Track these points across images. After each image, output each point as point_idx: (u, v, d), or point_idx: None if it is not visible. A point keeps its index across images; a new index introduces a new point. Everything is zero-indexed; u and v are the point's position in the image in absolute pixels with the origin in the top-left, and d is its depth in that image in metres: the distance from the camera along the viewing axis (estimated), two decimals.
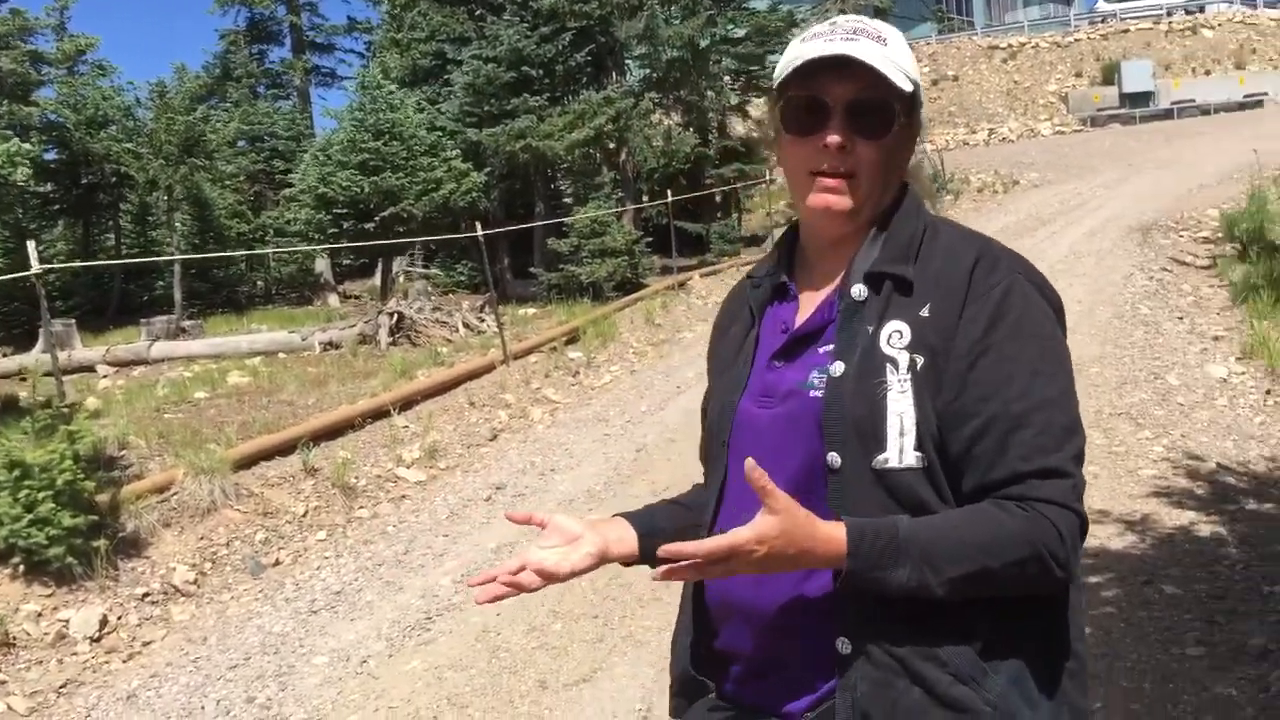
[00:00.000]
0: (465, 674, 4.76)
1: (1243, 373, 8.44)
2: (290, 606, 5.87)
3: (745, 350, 1.63)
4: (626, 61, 21.49)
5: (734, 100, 24.93)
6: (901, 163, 1.57)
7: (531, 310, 16.09)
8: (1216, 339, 9.66)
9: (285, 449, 7.97)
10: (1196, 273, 13.15)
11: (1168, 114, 39.16)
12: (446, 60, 19.59)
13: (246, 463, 7.61)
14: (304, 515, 7.20)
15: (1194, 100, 40.61)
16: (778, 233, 22.33)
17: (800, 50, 1.53)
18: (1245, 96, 40.33)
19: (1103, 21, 49.33)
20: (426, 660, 4.96)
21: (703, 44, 21.76)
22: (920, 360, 1.42)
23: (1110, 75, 41.49)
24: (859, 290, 1.49)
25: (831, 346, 1.49)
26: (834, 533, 1.36)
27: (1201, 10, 48.98)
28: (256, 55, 29.60)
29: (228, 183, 23.10)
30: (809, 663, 1.47)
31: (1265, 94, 40.36)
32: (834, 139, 1.49)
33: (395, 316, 13.49)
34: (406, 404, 9.42)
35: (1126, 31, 47.44)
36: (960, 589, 1.35)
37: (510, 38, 17.53)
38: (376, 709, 4.55)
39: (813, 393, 1.47)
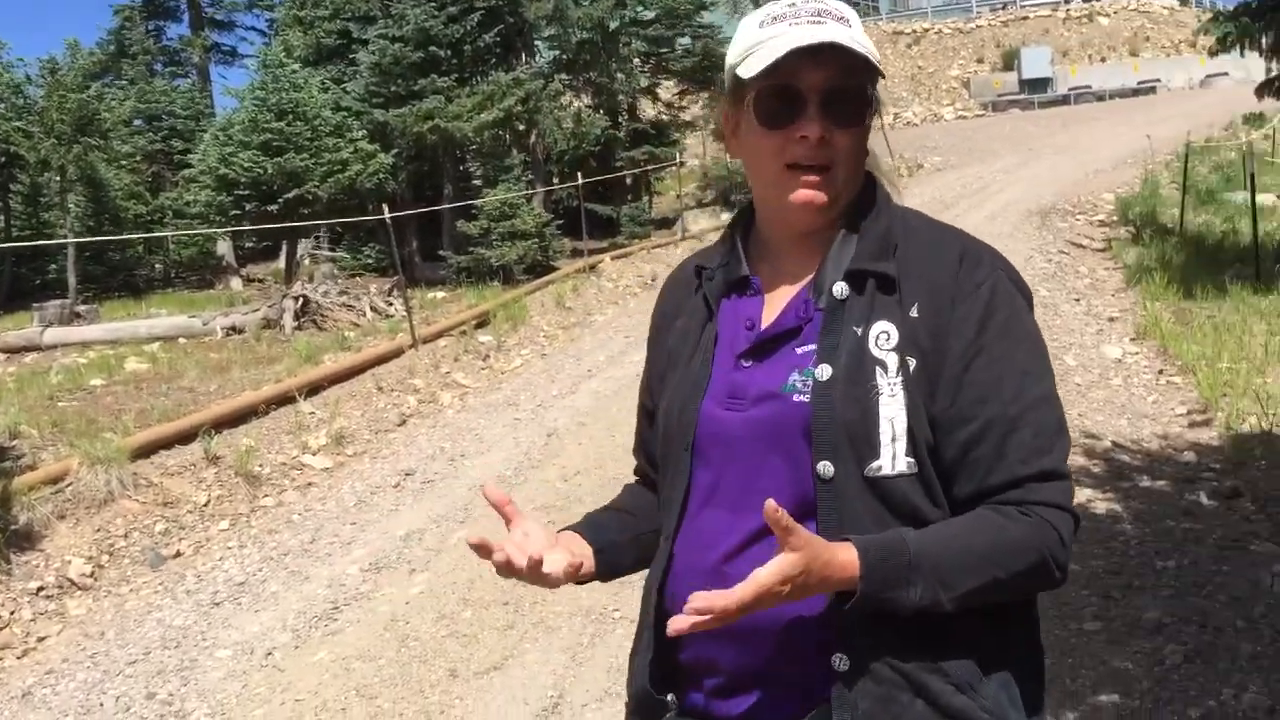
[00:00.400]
0: (374, 664, 4.69)
1: (1136, 353, 8.70)
2: (192, 599, 5.73)
3: (704, 347, 1.53)
4: (536, 43, 21.33)
5: (644, 83, 24.90)
6: (866, 148, 1.51)
7: (441, 293, 15.91)
8: (1112, 320, 9.93)
9: (186, 437, 7.77)
10: (1093, 255, 13.49)
11: (1065, 100, 40.15)
12: (351, 39, 19.23)
13: (145, 451, 7.40)
14: (206, 505, 7.03)
15: (1090, 86, 41.68)
16: (689, 215, 22.48)
17: (762, 36, 1.44)
18: (1139, 83, 41.50)
19: (1003, 8, 50.28)
20: (334, 651, 4.88)
21: (612, 26, 21.70)
22: (913, 362, 1.37)
23: (1010, 61, 42.39)
24: (841, 289, 1.42)
25: (812, 348, 1.41)
26: (847, 557, 1.30)
27: None
28: (153, 32, 28.70)
29: (124, 163, 22.40)
30: (796, 678, 1.40)
31: (1158, 80, 41.57)
32: (813, 131, 1.41)
33: (300, 300, 13.23)
34: (312, 390, 9.25)
35: (1026, 19, 48.45)
36: (969, 601, 1.33)
37: (417, 17, 17.26)
38: (283, 702, 4.47)
39: (797, 397, 1.39)
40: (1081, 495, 5.57)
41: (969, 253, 1.43)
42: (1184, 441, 6.42)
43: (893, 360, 1.37)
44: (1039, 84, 41.32)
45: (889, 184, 1.55)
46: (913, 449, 1.36)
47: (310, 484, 7.56)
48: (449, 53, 17.75)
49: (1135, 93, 40.39)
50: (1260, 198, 12.86)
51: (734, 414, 1.44)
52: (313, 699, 4.44)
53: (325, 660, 4.80)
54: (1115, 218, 16.13)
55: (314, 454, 8.04)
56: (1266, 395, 6.71)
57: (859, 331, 1.39)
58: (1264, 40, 11.74)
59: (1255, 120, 25.56)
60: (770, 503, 1.23)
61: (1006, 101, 39.01)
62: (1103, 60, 45.45)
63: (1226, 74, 36.24)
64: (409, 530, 6.40)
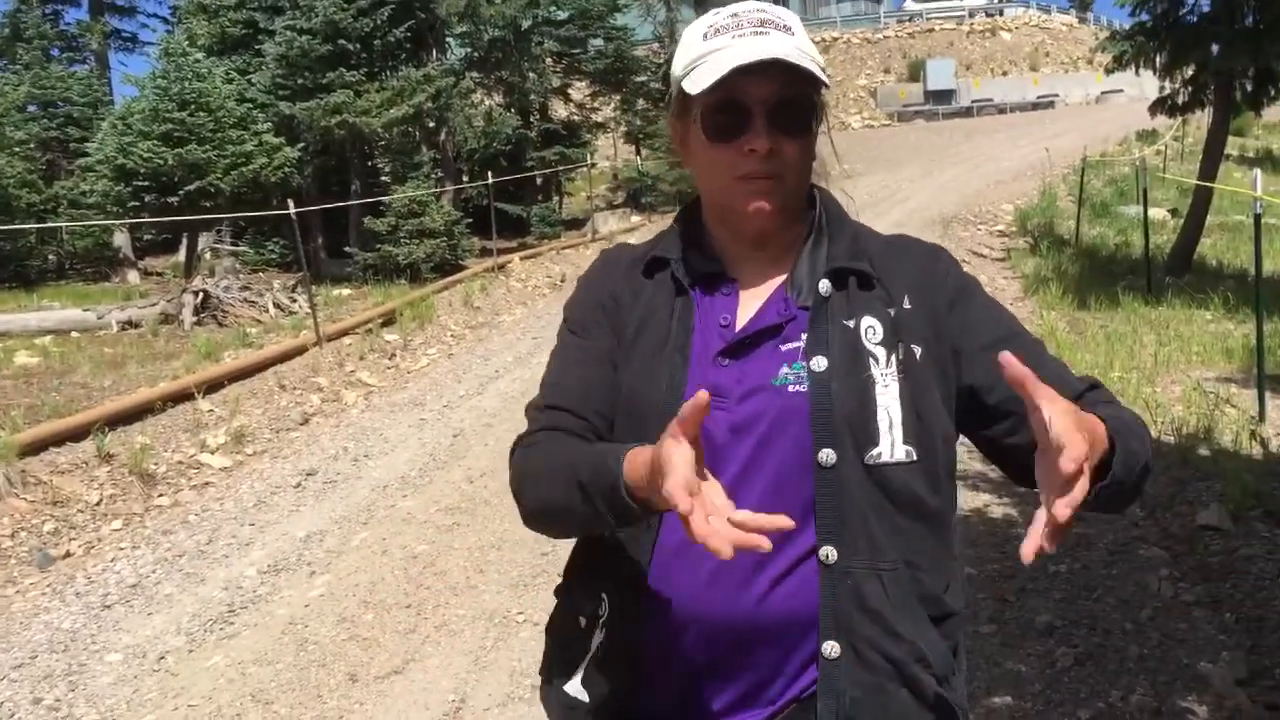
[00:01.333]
0: (271, 669, 4.59)
1: None
2: (81, 601, 5.55)
3: (675, 336, 1.49)
4: (448, 39, 21.14)
5: (556, 83, 24.89)
6: (814, 155, 1.55)
7: (346, 291, 15.67)
8: None
9: (78, 434, 7.53)
10: (993, 264, 13.83)
11: (968, 111, 41.12)
12: (258, 29, 18.82)
13: (34, 448, 7.15)
14: (98, 504, 6.82)
15: (992, 99, 42.75)
16: (599, 216, 22.48)
17: (706, 49, 1.44)
18: (1039, 97, 42.71)
19: (910, 20, 51.32)
20: (229, 655, 4.77)
21: (525, 25, 21.64)
22: (918, 349, 1.43)
23: (916, 72, 43.30)
24: (825, 286, 1.46)
25: (798, 344, 1.43)
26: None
27: (1001, 14, 51.49)
28: (50, 16, 27.73)
29: (17, 150, 21.58)
30: (777, 668, 1.39)
31: (1057, 95, 42.79)
32: (761, 145, 1.42)
33: (201, 295, 12.92)
34: (212, 387, 9.04)
35: (932, 31, 49.50)
36: (1147, 466, 1.34)
37: (326, 9, 16.96)
38: (175, 707, 4.35)
39: (792, 388, 1.40)
40: (979, 500, 5.70)
41: (928, 247, 1.58)
42: None
43: (881, 353, 1.41)
44: (943, 95, 42.30)
45: (838, 191, 1.64)
46: (909, 437, 1.39)
47: (208, 483, 7.38)
48: (358, 46, 17.48)
49: (1035, 106, 41.56)
50: (1152, 212, 13.30)
51: (719, 411, 1.40)
52: (207, 704, 4.33)
53: (220, 665, 4.68)
54: (1014, 228, 16.57)
55: (212, 453, 7.86)
56: (1155, 404, 6.93)
57: (850, 324, 1.43)
58: (1158, 60, 12.14)
59: (1148, 136, 26.46)
60: (1006, 355, 1.13)
61: (912, 112, 39.84)
62: (1005, 74, 46.63)
63: (1122, 90, 37.44)
64: (309, 531, 6.29)
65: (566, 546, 5.41)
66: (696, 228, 1.58)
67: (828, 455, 1.36)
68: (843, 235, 1.52)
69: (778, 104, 1.43)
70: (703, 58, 1.44)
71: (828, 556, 1.36)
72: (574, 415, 1.53)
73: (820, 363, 1.40)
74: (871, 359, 1.41)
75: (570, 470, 1.39)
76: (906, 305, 1.45)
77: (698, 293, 1.52)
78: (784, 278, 1.50)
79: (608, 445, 1.42)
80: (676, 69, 1.50)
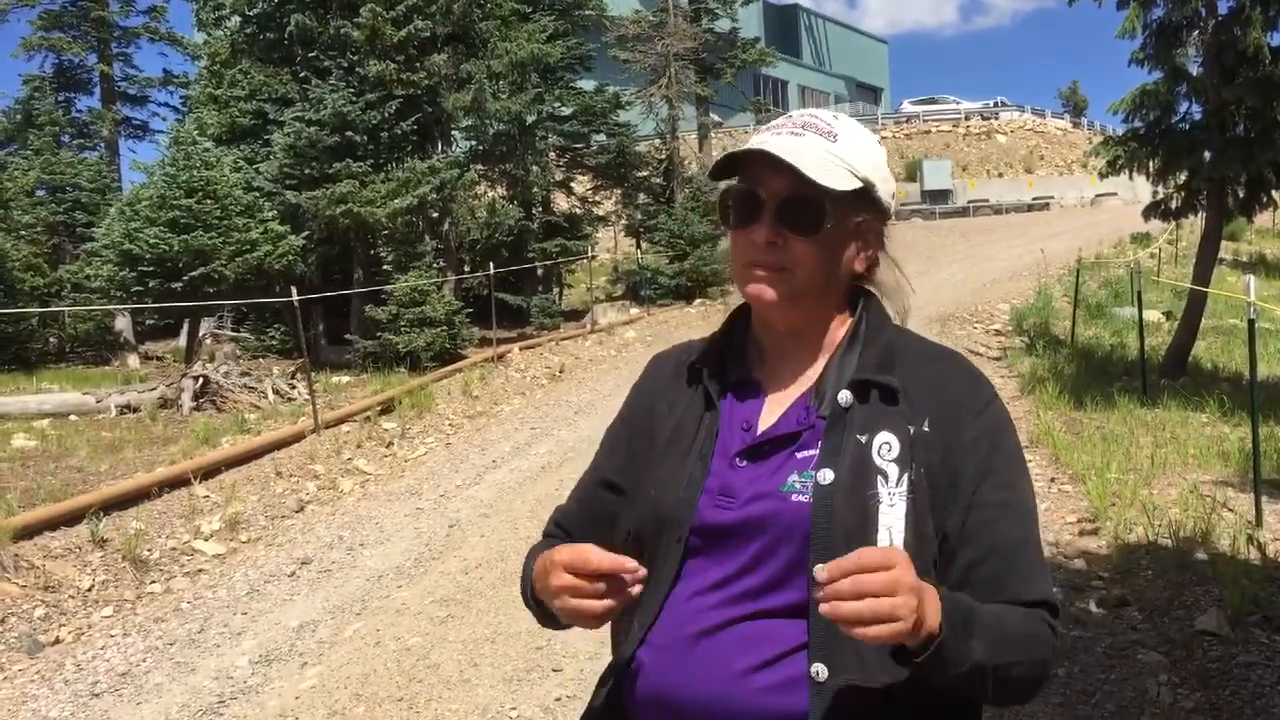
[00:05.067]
0: None
1: (1030, 460, 8.91)
2: (70, 689, 5.49)
3: (700, 443, 1.53)
4: (453, 132, 21.51)
5: (559, 176, 25.30)
6: (843, 259, 1.55)
7: (346, 378, 15.72)
8: None
9: (72, 518, 7.52)
10: (990, 363, 13.89)
11: (964, 211, 41.67)
12: (267, 120, 19.17)
13: (29, 532, 7.14)
14: (89, 590, 6.78)
15: (988, 200, 43.37)
16: (599, 308, 22.63)
17: (749, 142, 1.53)
18: (1034, 199, 43.33)
19: (907, 121, 52.36)
20: None
21: (530, 120, 22.01)
22: (921, 475, 1.40)
23: (913, 173, 43.99)
24: (845, 397, 1.46)
25: (812, 453, 1.44)
26: (930, 590, 1.28)
27: (996, 117, 52.52)
28: (63, 103, 28.28)
29: (23, 233, 21.85)
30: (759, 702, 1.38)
31: (1052, 197, 43.43)
32: (761, 236, 1.49)
33: (200, 380, 12.96)
34: (209, 473, 9.04)
35: (929, 133, 50.48)
36: (1003, 674, 1.32)
37: (335, 102, 17.30)
38: None
39: (796, 497, 1.41)
40: None
41: (972, 372, 1.53)
42: (1074, 549, 6.59)
43: (893, 471, 1.40)
44: (940, 195, 42.91)
45: (892, 301, 1.62)
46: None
47: (201, 570, 7.34)
48: (365, 138, 17.79)
49: (1030, 208, 42.15)
50: (1147, 314, 13.42)
51: (725, 512, 1.45)
52: None
53: None
54: (1010, 327, 16.69)
55: (206, 539, 7.82)
56: (1153, 506, 6.93)
57: (863, 440, 1.42)
58: (1150, 165, 12.34)
59: (1142, 239, 26.77)
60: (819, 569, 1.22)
61: (909, 211, 40.35)
62: (1000, 175, 47.41)
63: (1115, 194, 38.00)
64: (302, 621, 6.24)
65: (561, 641, 5.39)
66: (742, 326, 1.64)
67: (821, 569, 1.30)
68: (876, 344, 1.52)
69: (786, 200, 1.48)
70: (737, 148, 1.53)
71: (818, 674, 1.35)
72: (565, 533, 1.76)
73: (827, 475, 1.40)
74: (880, 476, 1.40)
75: (525, 570, 1.61)
76: (926, 428, 1.44)
77: (728, 399, 1.57)
78: (813, 383, 1.52)
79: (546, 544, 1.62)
80: (717, 163, 1.59)
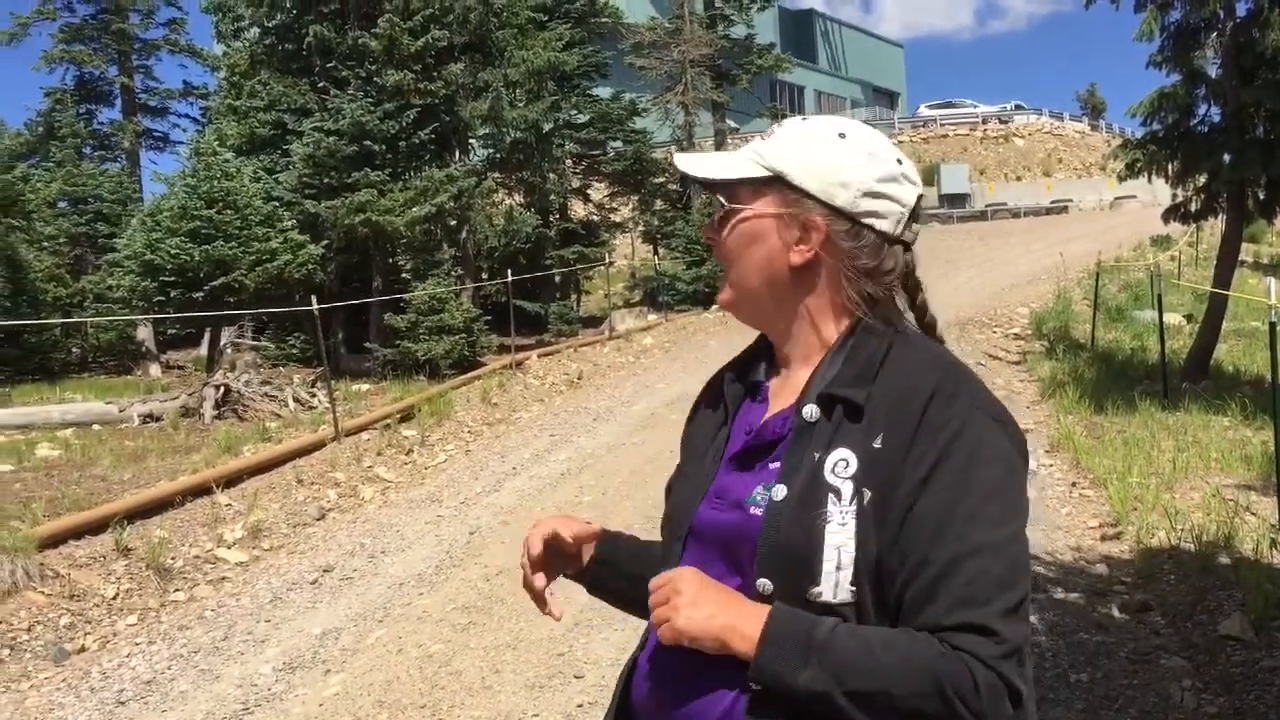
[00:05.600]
0: None
1: (1050, 465, 8.91)
2: (96, 697, 5.54)
3: (716, 446, 1.56)
4: (470, 141, 21.61)
5: (576, 184, 25.38)
6: (769, 252, 1.49)
7: (365, 386, 15.79)
8: (1027, 431, 10.16)
9: (97, 527, 7.58)
10: (1009, 367, 13.86)
11: (982, 215, 41.56)
12: (286, 130, 19.31)
13: (54, 541, 7.20)
14: (114, 598, 6.83)
15: (1006, 204, 43.22)
16: (616, 314, 22.71)
17: None
18: (1052, 202, 43.18)
19: (924, 126, 52.26)
20: None
21: (546, 128, 22.10)
22: (868, 494, 1.33)
23: (930, 177, 43.87)
24: (810, 411, 1.42)
25: (779, 465, 1.42)
26: (755, 611, 1.32)
27: (1013, 120, 52.37)
28: (84, 115, 28.54)
29: (46, 245, 22.07)
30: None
31: (1070, 200, 43.25)
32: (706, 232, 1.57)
33: (222, 389, 13.04)
34: (231, 481, 9.10)
35: (946, 136, 50.37)
36: (864, 709, 1.25)
37: (353, 111, 17.40)
38: None
39: (754, 509, 1.41)
40: None
41: (943, 387, 1.38)
42: (1096, 554, 6.57)
43: (848, 489, 1.34)
44: (957, 199, 42.82)
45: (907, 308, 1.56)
46: (857, 579, 1.32)
47: (224, 578, 7.39)
48: (383, 147, 17.89)
49: (1048, 211, 42.01)
50: (1167, 317, 13.37)
51: (715, 513, 1.48)
52: None
53: None
54: (1029, 331, 16.64)
55: (229, 547, 7.88)
56: (1175, 511, 6.91)
57: (817, 456, 1.38)
58: (1170, 168, 12.30)
59: (1162, 242, 26.65)
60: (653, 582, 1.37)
61: (927, 215, 40.27)
62: (1018, 179, 47.25)
63: (1134, 197, 37.83)
64: (325, 629, 6.27)
65: (582, 648, 5.42)
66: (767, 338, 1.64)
67: (765, 585, 1.36)
68: (860, 355, 1.44)
69: (709, 201, 1.55)
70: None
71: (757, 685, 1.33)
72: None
73: (780, 491, 1.38)
74: (833, 494, 1.34)
75: None
76: (878, 444, 1.35)
77: (745, 404, 1.58)
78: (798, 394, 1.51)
79: None
80: None
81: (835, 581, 1.32)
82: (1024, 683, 1.25)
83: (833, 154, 1.47)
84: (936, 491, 1.31)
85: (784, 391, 1.54)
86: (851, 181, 1.45)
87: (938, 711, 1.23)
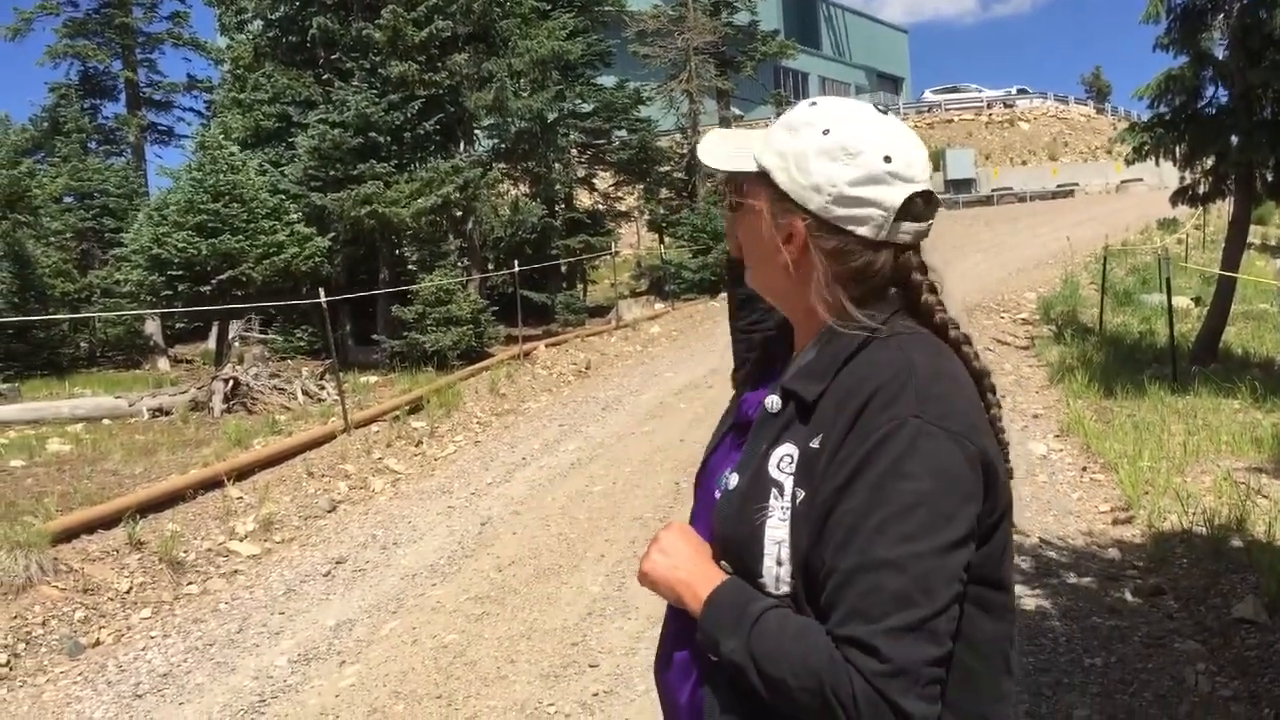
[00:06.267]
0: None
1: (1061, 449, 8.90)
2: (113, 690, 5.56)
3: (721, 426, 1.64)
4: (475, 131, 21.57)
5: (581, 173, 25.33)
6: (770, 248, 1.46)
7: (374, 378, 15.81)
8: (1036, 417, 10.17)
9: (109, 521, 7.60)
10: (1017, 352, 13.84)
11: (988, 200, 41.46)
12: (291, 123, 19.28)
13: (66, 536, 7.22)
14: (128, 591, 6.86)
15: (1012, 188, 43.14)
16: (623, 304, 22.72)
17: None
18: (1058, 186, 43.07)
19: (929, 111, 52.11)
20: None
21: (551, 118, 22.05)
22: (800, 494, 1.33)
23: (936, 162, 43.78)
24: (773, 402, 1.43)
25: (741, 452, 1.46)
26: (716, 576, 1.39)
27: (1018, 104, 52.20)
28: (89, 110, 28.55)
29: (53, 240, 22.09)
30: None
31: (1076, 184, 43.13)
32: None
33: (230, 383, 13.07)
34: (241, 474, 9.12)
35: (951, 121, 50.24)
36: (770, 690, 1.27)
37: (358, 103, 17.38)
38: None
39: (716, 493, 1.47)
40: None
41: (884, 390, 1.32)
42: (1108, 538, 6.57)
43: (789, 485, 1.35)
44: (963, 184, 42.71)
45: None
46: (796, 573, 1.32)
47: (237, 571, 7.41)
48: (389, 139, 17.87)
49: (1054, 195, 41.90)
50: (1175, 300, 13.33)
51: (705, 489, 1.57)
52: None
53: None
54: (1037, 316, 16.61)
55: (241, 540, 7.90)
56: (1186, 494, 6.90)
57: (764, 449, 1.39)
58: (1177, 150, 12.27)
59: (1169, 225, 26.59)
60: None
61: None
62: (1024, 163, 47.11)
63: (1141, 179, 37.73)
64: (339, 620, 6.29)
65: (596, 638, 5.43)
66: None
67: (725, 565, 1.41)
68: (829, 350, 1.41)
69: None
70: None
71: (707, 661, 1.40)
72: None
73: (733, 480, 1.43)
74: (775, 489, 1.35)
75: None
76: (814, 444, 1.34)
77: (761, 388, 1.61)
78: None
79: None
80: None
81: (775, 575, 1.34)
82: (921, 701, 1.20)
83: (808, 154, 1.40)
84: (852, 498, 1.27)
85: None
86: (823, 185, 1.39)
87: (820, 711, 1.22)
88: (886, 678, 1.19)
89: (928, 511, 1.25)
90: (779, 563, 1.33)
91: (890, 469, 1.26)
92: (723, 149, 1.52)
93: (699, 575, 1.40)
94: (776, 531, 1.33)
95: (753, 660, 1.27)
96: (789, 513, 1.33)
